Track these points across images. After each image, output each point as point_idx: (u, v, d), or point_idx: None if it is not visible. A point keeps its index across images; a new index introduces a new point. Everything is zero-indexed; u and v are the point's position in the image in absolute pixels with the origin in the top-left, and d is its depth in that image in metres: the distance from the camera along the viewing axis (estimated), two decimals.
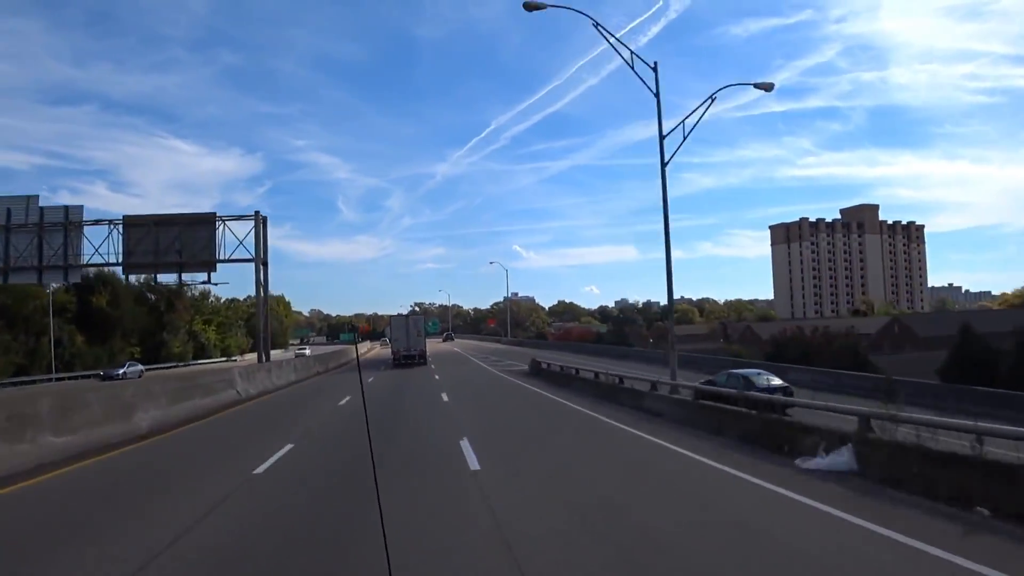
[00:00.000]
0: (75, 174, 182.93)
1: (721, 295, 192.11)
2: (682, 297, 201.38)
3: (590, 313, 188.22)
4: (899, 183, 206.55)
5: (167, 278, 40.06)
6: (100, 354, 48.92)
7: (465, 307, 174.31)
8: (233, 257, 38.27)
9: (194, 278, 39.90)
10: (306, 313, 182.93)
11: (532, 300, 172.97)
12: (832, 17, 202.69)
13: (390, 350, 44.99)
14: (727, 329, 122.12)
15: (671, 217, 17.54)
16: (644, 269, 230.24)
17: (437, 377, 31.63)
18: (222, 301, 77.26)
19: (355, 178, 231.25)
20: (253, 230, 38.42)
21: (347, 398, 22.59)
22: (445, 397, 21.83)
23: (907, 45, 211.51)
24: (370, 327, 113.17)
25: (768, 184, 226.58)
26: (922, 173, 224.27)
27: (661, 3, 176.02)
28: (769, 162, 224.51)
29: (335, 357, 47.10)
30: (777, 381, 19.85)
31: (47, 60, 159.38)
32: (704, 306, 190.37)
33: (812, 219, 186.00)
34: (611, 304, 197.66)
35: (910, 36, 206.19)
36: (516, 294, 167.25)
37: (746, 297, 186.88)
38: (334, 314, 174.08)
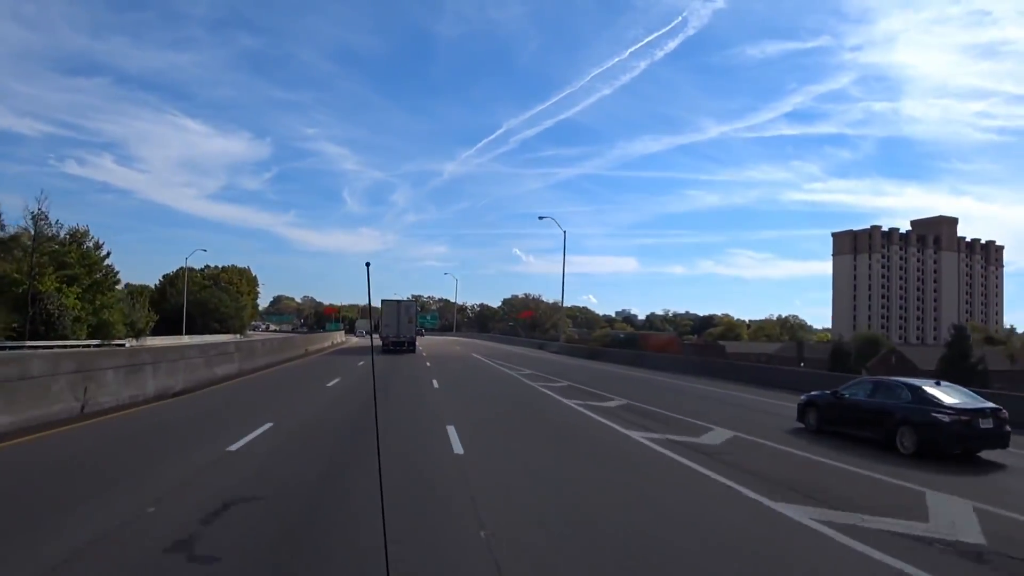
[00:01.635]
0: (84, 145, 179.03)
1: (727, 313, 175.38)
2: (687, 312, 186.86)
3: (608, 321, 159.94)
4: (903, 215, 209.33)
5: None
6: None
7: (470, 303, 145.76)
8: None
9: None
10: (298, 300, 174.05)
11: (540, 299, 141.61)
12: (848, 45, 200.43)
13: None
14: (802, 348, 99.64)
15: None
16: (644, 281, 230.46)
17: None
18: (103, 252, 48.14)
19: (362, 170, 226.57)
20: None
21: None
22: None
23: (921, 79, 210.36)
24: (337, 311, 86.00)
25: (773, 206, 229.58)
26: (926, 206, 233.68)
27: (680, 19, 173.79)
28: (776, 184, 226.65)
29: (280, 348, 31.95)
30: (976, 400, 11.50)
31: (65, 29, 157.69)
32: (731, 323, 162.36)
33: (884, 228, 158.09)
34: (612, 313, 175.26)
35: (925, 70, 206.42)
36: (527, 295, 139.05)
37: (742, 317, 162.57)
38: (327, 302, 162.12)
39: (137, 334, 49.43)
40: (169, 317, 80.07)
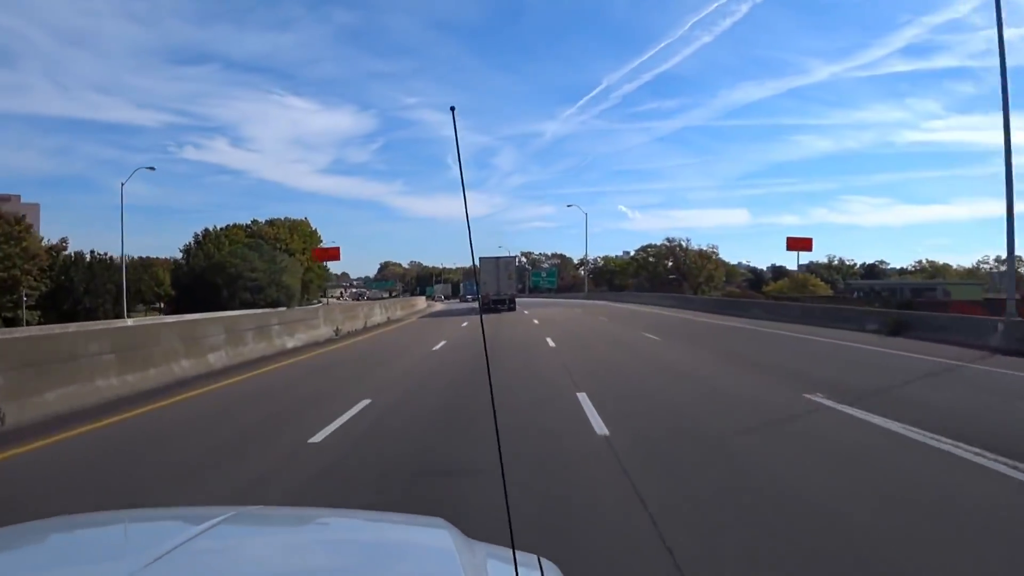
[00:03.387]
0: (199, 130, 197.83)
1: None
2: (811, 263, 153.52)
3: (755, 276, 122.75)
4: None
5: None
6: None
7: (591, 256, 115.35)
8: None
9: None
10: (405, 265, 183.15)
11: (688, 244, 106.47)
12: None
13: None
14: None
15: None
16: (755, 233, 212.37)
17: None
18: None
19: (464, 135, 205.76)
20: None
21: None
22: None
23: None
24: (337, 252, 58.91)
25: (888, 149, 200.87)
26: None
27: None
28: (891, 125, 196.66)
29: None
30: None
31: (174, 21, 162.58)
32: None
33: None
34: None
35: None
36: (670, 240, 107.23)
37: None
38: (430, 265, 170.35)
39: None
40: (192, 286, 58.08)
